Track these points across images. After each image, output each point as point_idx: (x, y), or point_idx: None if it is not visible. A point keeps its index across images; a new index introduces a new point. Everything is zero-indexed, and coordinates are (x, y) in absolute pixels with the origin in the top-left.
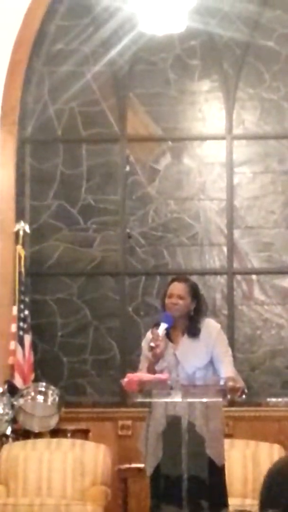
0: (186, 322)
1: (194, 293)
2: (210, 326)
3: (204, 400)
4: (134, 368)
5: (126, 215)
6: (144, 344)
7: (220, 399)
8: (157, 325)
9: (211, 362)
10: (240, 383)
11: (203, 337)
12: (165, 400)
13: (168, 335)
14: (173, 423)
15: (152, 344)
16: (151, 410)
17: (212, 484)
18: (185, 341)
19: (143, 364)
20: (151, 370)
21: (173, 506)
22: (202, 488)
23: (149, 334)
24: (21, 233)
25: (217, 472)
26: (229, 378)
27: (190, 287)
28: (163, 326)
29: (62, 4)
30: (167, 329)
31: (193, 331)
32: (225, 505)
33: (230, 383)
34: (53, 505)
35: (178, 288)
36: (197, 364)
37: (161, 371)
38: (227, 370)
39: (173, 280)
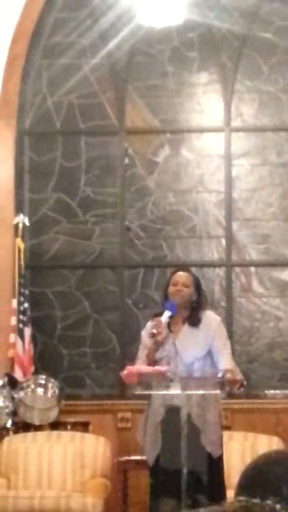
0: (187, 312)
1: (197, 284)
2: (211, 317)
3: (202, 392)
4: (134, 360)
5: (125, 207)
6: (144, 333)
7: (219, 391)
8: (157, 315)
9: (209, 353)
10: (239, 376)
11: (203, 328)
12: (165, 393)
13: (169, 325)
14: (171, 413)
15: (154, 331)
16: (150, 402)
17: (209, 476)
18: (185, 331)
19: (142, 353)
20: (150, 358)
21: (171, 499)
22: (199, 481)
23: (149, 324)
24: (20, 225)
25: (213, 464)
26: (228, 370)
27: (194, 277)
28: (166, 314)
29: None
30: (170, 317)
31: (194, 320)
32: (223, 498)
33: (229, 375)
34: (53, 497)
35: (183, 276)
36: (196, 354)
37: (160, 360)
38: (225, 362)
39: (176, 270)
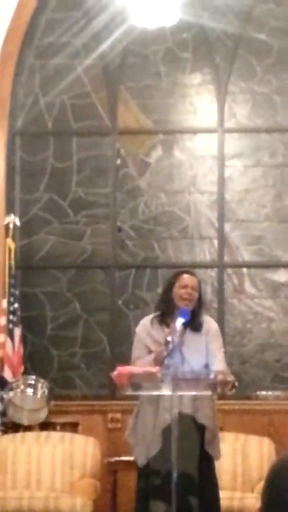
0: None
1: (199, 285)
2: (211, 323)
3: (194, 393)
4: (124, 361)
5: (117, 208)
6: (141, 332)
7: (210, 393)
8: (159, 316)
9: None
10: (230, 377)
11: (204, 332)
12: (155, 393)
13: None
14: (178, 419)
15: (169, 339)
16: (143, 402)
17: (205, 479)
18: (188, 336)
19: (141, 352)
20: (159, 363)
21: (163, 502)
22: (193, 485)
23: (146, 322)
24: (11, 226)
25: (210, 466)
26: (220, 371)
27: (199, 281)
28: (180, 321)
29: None
30: (183, 324)
31: (196, 325)
32: (216, 500)
33: (221, 377)
34: (42, 498)
35: (192, 280)
36: (202, 361)
37: (166, 367)
38: (218, 364)
39: (182, 272)
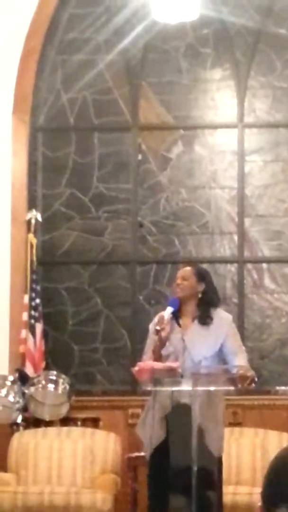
0: (196, 307)
1: (200, 275)
2: (222, 316)
3: (214, 388)
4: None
5: (138, 203)
6: (151, 327)
7: (232, 388)
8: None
9: (217, 353)
10: (250, 372)
11: (214, 326)
12: (177, 389)
13: (177, 320)
14: (177, 410)
15: (158, 327)
16: (154, 397)
17: (208, 475)
18: (194, 328)
19: (149, 348)
20: (156, 354)
21: (177, 495)
22: (208, 479)
23: (156, 318)
24: (33, 221)
25: (213, 463)
26: (240, 366)
27: (196, 269)
28: (168, 310)
29: None
30: (173, 313)
31: (204, 319)
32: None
33: (241, 372)
34: (63, 493)
35: (182, 270)
36: (205, 353)
37: (167, 356)
38: (239, 361)
39: (181, 267)
